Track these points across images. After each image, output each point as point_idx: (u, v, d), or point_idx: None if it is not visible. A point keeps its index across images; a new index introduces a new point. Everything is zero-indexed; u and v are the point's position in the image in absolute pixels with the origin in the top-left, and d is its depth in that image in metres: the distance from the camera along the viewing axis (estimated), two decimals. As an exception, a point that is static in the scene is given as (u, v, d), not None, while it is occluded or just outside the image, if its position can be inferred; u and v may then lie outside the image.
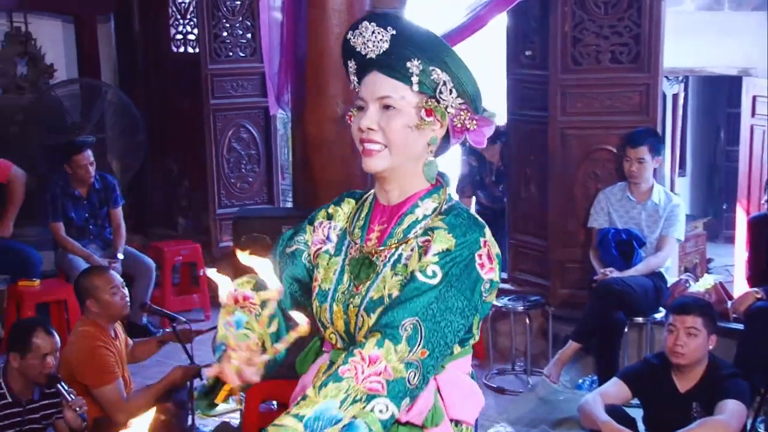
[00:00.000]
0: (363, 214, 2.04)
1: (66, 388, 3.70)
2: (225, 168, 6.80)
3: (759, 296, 4.50)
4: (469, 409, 2.00)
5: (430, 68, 1.90)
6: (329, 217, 2.09)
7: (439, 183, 2.00)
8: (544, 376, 4.90)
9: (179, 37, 7.11)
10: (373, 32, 1.93)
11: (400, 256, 1.93)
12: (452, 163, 6.68)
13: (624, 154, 5.05)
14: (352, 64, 2.02)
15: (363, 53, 1.96)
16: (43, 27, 7.10)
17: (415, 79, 1.90)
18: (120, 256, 5.97)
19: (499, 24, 5.44)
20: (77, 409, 3.61)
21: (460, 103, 1.93)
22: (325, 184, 4.73)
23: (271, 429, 1.66)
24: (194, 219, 7.10)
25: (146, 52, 7.34)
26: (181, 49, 7.13)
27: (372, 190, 2.07)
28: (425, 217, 1.94)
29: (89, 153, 5.98)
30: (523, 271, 5.75)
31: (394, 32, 1.91)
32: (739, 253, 8.02)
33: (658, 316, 4.92)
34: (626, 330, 4.89)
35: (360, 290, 1.94)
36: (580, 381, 5.08)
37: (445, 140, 1.98)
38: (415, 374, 1.76)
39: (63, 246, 5.96)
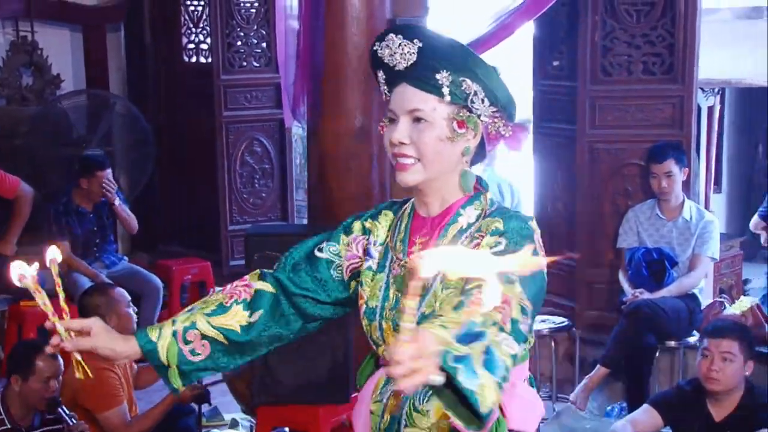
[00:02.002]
0: (403, 227, 2.08)
1: (67, 412, 3.72)
2: (237, 183, 6.83)
3: (799, 320, 4.48)
4: (530, 420, 2.02)
5: (460, 79, 1.94)
6: (365, 232, 2.12)
7: (478, 190, 2.04)
8: (570, 402, 4.88)
9: (191, 46, 7.17)
10: (399, 44, 1.97)
11: None
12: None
13: (650, 172, 5.05)
14: (381, 75, 2.07)
15: (391, 65, 2.00)
16: (50, 36, 7.16)
17: (445, 90, 1.94)
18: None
19: (526, 33, 5.46)
20: (79, 434, 3.63)
21: (493, 111, 1.98)
22: (342, 200, 4.74)
23: (423, 331, 1.47)
24: (204, 236, 7.13)
25: (157, 62, 7.40)
26: (194, 59, 7.19)
27: (410, 200, 2.11)
28: (470, 225, 1.98)
29: (110, 170, 6.05)
30: (548, 292, 5.72)
31: (420, 44, 1.96)
32: (778, 275, 7.96)
33: (692, 339, 4.90)
34: (657, 354, 4.87)
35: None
36: (609, 408, 5.06)
37: (481, 147, 2.02)
38: (526, 321, 1.69)
39: (69, 265, 5.99)
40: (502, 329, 1.60)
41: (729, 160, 11.33)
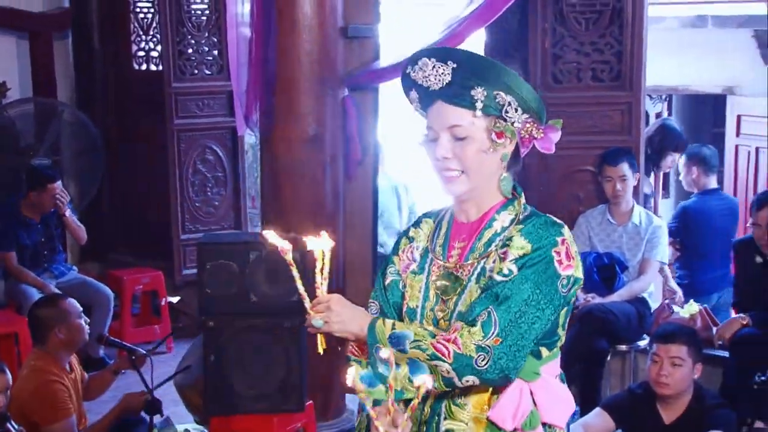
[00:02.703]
0: (442, 232, 2.24)
1: (16, 427, 3.66)
2: (189, 191, 6.80)
3: (745, 322, 4.57)
4: (561, 413, 2.22)
5: (494, 92, 2.07)
6: (411, 240, 2.30)
7: (513, 195, 2.18)
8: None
9: (141, 54, 7.13)
10: (433, 67, 2.10)
11: (483, 269, 2.11)
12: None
13: (602, 175, 5.11)
14: (413, 95, 2.18)
15: (425, 86, 2.12)
16: (-4, 43, 7.08)
17: (480, 104, 2.08)
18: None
19: (477, 41, 5.51)
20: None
21: (525, 118, 2.10)
22: (296, 207, 4.75)
23: (378, 322, 2.05)
24: (156, 245, 7.07)
25: (106, 69, 7.34)
26: (144, 67, 7.14)
27: (448, 208, 2.27)
28: (504, 229, 2.14)
29: (60, 181, 5.99)
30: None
31: (455, 65, 2.08)
32: (725, 279, 8.09)
33: (642, 343, 4.97)
34: (609, 358, 4.93)
35: (449, 304, 2.14)
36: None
37: (515, 151, 2.15)
38: (484, 358, 1.99)
39: (16, 276, 5.91)
40: (435, 356, 2.00)
41: (676, 166, 11.52)
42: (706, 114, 11.55)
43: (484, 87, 2.07)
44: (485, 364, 1.99)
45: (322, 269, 2.07)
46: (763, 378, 3.99)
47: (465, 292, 2.12)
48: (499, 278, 2.05)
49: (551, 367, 2.19)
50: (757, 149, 8.84)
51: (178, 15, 6.70)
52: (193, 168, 6.81)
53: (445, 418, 2.16)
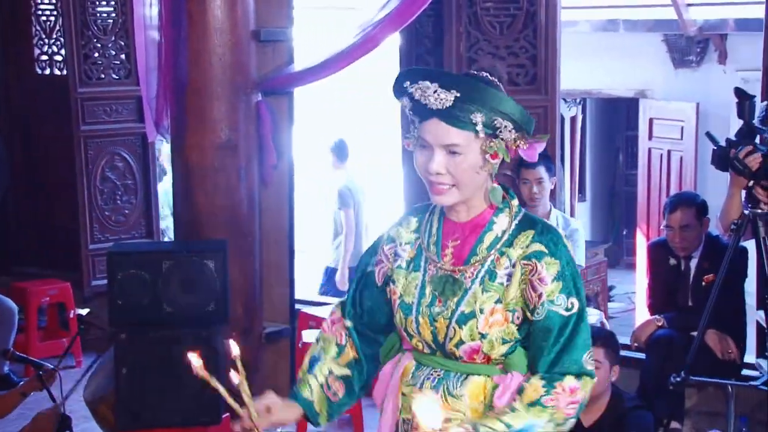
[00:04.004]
0: (434, 230, 2.32)
1: None
2: (98, 199, 6.67)
3: (660, 324, 4.66)
4: None
5: (493, 118, 2.18)
6: (390, 240, 2.38)
7: (505, 198, 2.29)
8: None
9: (45, 58, 6.97)
10: (435, 92, 2.15)
11: (490, 273, 2.22)
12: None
13: (521, 179, 5.18)
14: (405, 102, 2.23)
15: (422, 102, 2.17)
16: None
17: (479, 126, 2.17)
18: None
19: (392, 45, 5.54)
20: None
21: (516, 136, 2.22)
22: (210, 214, 4.71)
23: (481, 428, 2.11)
24: (63, 256, 6.93)
25: (6, 74, 7.16)
26: (47, 71, 6.98)
27: (435, 205, 2.34)
28: (503, 232, 2.24)
29: None
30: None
31: (458, 94, 2.14)
32: (639, 280, 8.30)
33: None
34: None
35: (448, 305, 2.23)
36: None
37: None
38: (584, 387, 2.21)
39: None
40: (567, 420, 2.20)
41: (591, 169, 11.78)
42: (619, 117, 11.84)
43: (484, 113, 2.16)
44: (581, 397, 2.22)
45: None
46: (678, 379, 4.09)
47: (468, 294, 2.21)
48: (564, 313, 2.19)
49: None
50: (669, 152, 9.08)
51: (82, 17, 6.58)
52: (101, 176, 6.69)
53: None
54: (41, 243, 7.10)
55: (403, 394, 2.33)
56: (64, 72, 6.73)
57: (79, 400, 4.23)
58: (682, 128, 8.94)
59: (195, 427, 4.10)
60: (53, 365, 4.32)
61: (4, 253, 7.16)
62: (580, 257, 5.19)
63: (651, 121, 9.23)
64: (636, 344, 4.74)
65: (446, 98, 2.15)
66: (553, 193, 5.22)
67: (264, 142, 4.90)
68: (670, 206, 4.77)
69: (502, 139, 2.20)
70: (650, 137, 9.26)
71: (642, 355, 4.72)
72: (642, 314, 5.85)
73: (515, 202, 2.29)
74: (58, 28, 6.87)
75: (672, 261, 4.77)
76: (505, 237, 2.23)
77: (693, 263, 4.71)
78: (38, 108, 6.99)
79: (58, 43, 6.87)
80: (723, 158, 4.09)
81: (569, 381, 2.18)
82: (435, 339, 2.26)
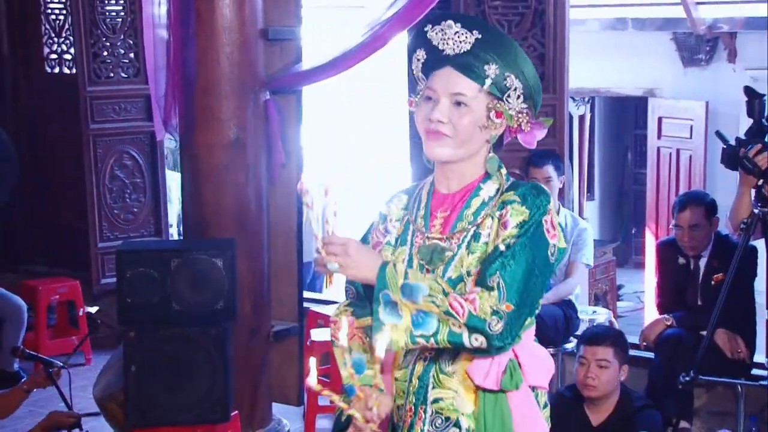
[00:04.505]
0: (423, 204, 2.29)
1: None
2: (107, 198, 6.70)
3: (669, 323, 4.66)
4: (544, 375, 2.31)
5: (506, 74, 2.16)
6: (383, 219, 2.36)
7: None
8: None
9: (54, 56, 6.99)
10: (456, 32, 2.15)
11: (475, 235, 2.18)
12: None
13: (528, 177, 5.17)
14: (420, 54, 2.22)
15: (440, 48, 2.16)
16: None
17: (489, 81, 2.16)
18: None
19: (400, 43, 5.53)
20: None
21: (523, 108, 2.19)
22: (218, 213, 4.71)
23: (389, 267, 2.07)
24: (72, 254, 6.95)
25: (16, 73, 7.18)
26: (56, 70, 7.00)
27: (425, 181, 2.33)
28: (491, 198, 2.21)
29: None
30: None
31: (479, 36, 2.14)
32: (648, 279, 8.29)
33: (569, 346, 5.05)
34: (536, 362, 4.98)
35: (436, 273, 2.19)
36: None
37: (499, 137, 2.24)
38: (498, 322, 2.07)
39: None
40: (449, 313, 2.05)
41: (600, 168, 11.76)
42: (628, 116, 11.82)
43: (499, 65, 2.14)
44: (498, 328, 2.06)
45: (328, 208, 2.08)
46: (687, 378, 4.09)
47: (454, 259, 2.18)
48: (503, 248, 2.10)
49: (530, 333, 2.26)
50: (678, 151, 9.06)
51: (91, 17, 6.60)
52: (110, 174, 6.71)
53: (434, 387, 2.22)
54: (48, 241, 7.12)
55: (396, 379, 2.29)
56: (74, 70, 6.76)
57: (89, 398, 4.25)
58: (692, 127, 8.93)
59: (204, 425, 4.11)
60: (62, 362, 4.35)
61: (12, 252, 7.19)
62: (588, 256, 5.19)
63: (660, 119, 9.22)
64: (645, 343, 4.74)
65: (466, 40, 2.14)
66: (561, 191, 5.22)
67: (272, 141, 4.91)
68: (679, 205, 4.77)
69: (508, 104, 2.18)
70: (659, 136, 9.24)
71: (651, 355, 4.72)
72: (651, 313, 5.84)
73: (504, 170, 2.27)
74: (67, 26, 6.89)
75: (681, 260, 4.76)
76: (492, 203, 2.19)
77: (702, 262, 4.70)
78: (46, 106, 7.01)
79: (68, 41, 6.89)
80: (732, 157, 4.08)
81: (468, 289, 2.12)
82: None
